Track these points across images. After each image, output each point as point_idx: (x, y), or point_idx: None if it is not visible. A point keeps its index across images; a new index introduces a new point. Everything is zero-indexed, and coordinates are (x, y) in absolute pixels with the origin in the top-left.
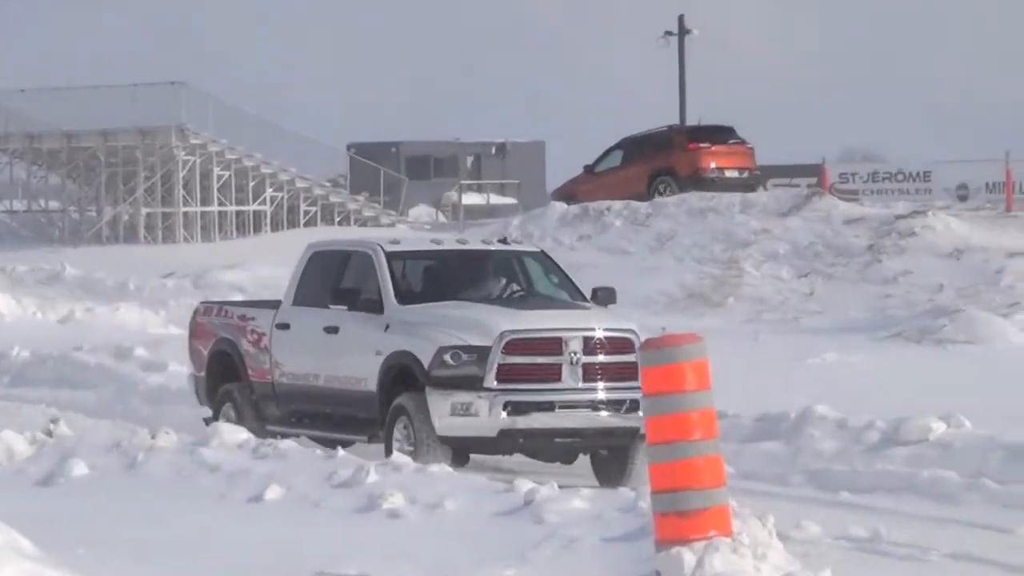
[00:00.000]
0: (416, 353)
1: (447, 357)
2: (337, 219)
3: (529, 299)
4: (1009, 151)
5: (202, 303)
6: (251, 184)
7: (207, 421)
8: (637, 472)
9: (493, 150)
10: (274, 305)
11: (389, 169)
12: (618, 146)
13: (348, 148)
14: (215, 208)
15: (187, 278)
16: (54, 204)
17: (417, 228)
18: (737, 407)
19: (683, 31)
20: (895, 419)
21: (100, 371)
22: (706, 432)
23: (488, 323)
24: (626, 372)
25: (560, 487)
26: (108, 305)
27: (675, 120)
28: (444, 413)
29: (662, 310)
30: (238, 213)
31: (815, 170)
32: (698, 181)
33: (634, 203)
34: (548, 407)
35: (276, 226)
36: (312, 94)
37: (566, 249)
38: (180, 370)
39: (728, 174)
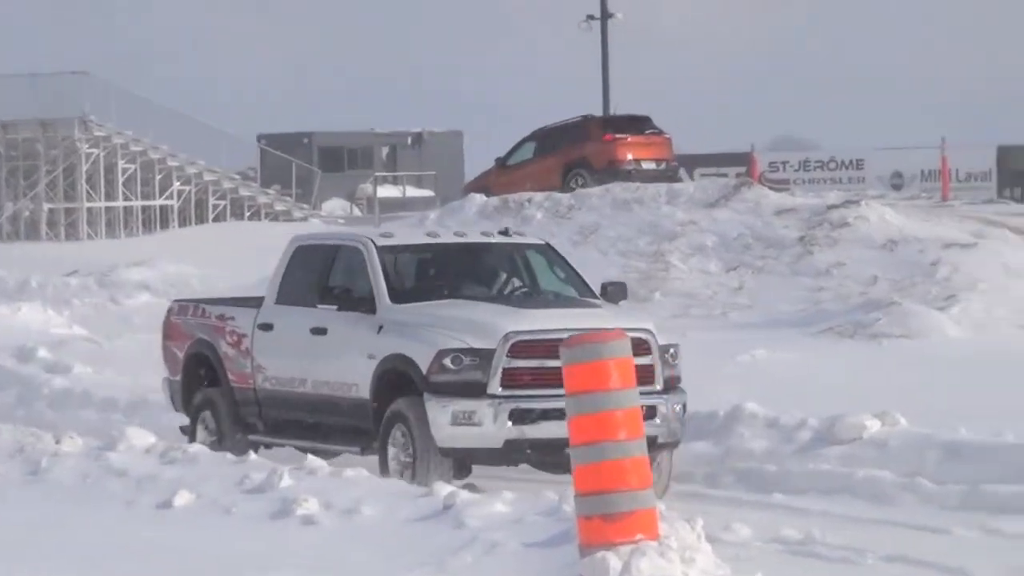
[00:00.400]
0: (413, 357)
1: (447, 361)
2: (248, 213)
3: (535, 296)
4: (945, 138)
5: (175, 301)
6: (158, 178)
7: (184, 429)
8: (655, 481)
9: (409, 141)
10: (256, 303)
11: (301, 161)
12: (531, 138)
13: (258, 139)
14: (120, 203)
15: (91, 276)
16: None
17: (330, 222)
18: None
19: (606, 15)
20: (828, 417)
21: (1, 373)
22: (632, 432)
23: (491, 323)
24: (643, 375)
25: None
26: (9, 305)
27: (598, 108)
28: (445, 422)
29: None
30: (144, 208)
31: (744, 159)
32: (614, 173)
33: (556, 195)
34: (558, 415)
35: (184, 221)
36: (221, 84)
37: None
38: (85, 372)
39: (645, 165)
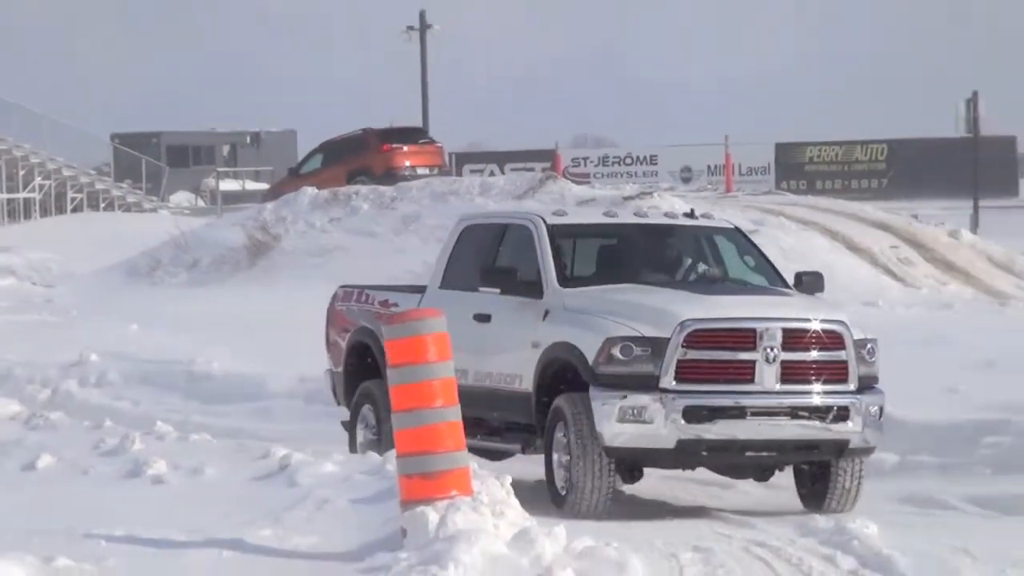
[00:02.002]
0: (579, 345)
1: (616, 351)
2: (103, 205)
3: (718, 283)
4: (728, 136)
5: (341, 287)
6: (21, 173)
7: (345, 425)
8: (845, 492)
9: (248, 139)
10: (421, 289)
11: (150, 158)
12: (319, 149)
13: (112, 138)
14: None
15: None
16: None
17: (177, 213)
18: None
19: (424, 26)
20: None
21: None
22: (447, 400)
23: (667, 310)
24: (835, 373)
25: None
26: None
27: (418, 112)
28: (611, 418)
29: (409, 283)
30: (8, 201)
31: (549, 155)
32: (392, 178)
33: (380, 188)
34: (739, 413)
35: (45, 212)
36: (77, 85)
37: (318, 231)
38: None
39: (420, 171)
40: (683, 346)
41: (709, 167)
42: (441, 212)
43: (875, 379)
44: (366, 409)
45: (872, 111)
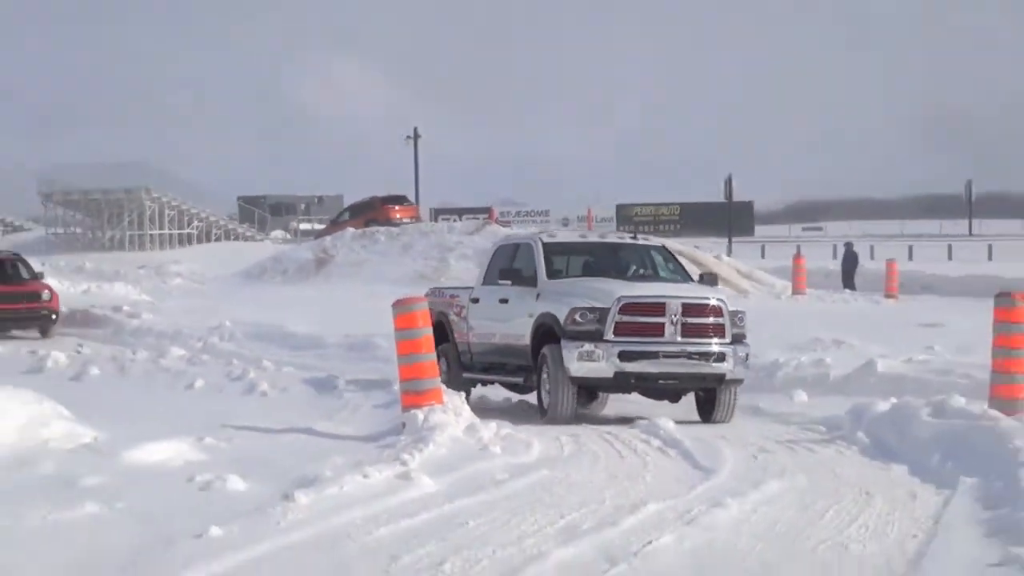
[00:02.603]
0: (556, 314)
1: (576, 316)
2: (232, 238)
3: (647, 277)
4: (589, 200)
5: (431, 288)
6: (184, 218)
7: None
8: (726, 408)
9: (316, 200)
10: (470, 288)
11: (260, 210)
12: (347, 209)
13: (238, 199)
14: (166, 231)
15: (151, 268)
16: (78, 229)
17: (275, 242)
18: None
19: (416, 136)
20: None
21: (104, 318)
22: (428, 349)
23: (609, 291)
24: (717, 331)
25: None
26: (109, 283)
27: (412, 187)
28: (574, 359)
29: (408, 283)
30: (178, 234)
31: (487, 210)
32: (390, 224)
33: (391, 228)
34: (653, 356)
35: (199, 241)
36: (221, 163)
37: (355, 252)
38: (149, 317)
39: (404, 221)
40: (618, 313)
41: (579, 216)
42: (425, 242)
43: (743, 336)
44: (441, 362)
45: (670, 186)
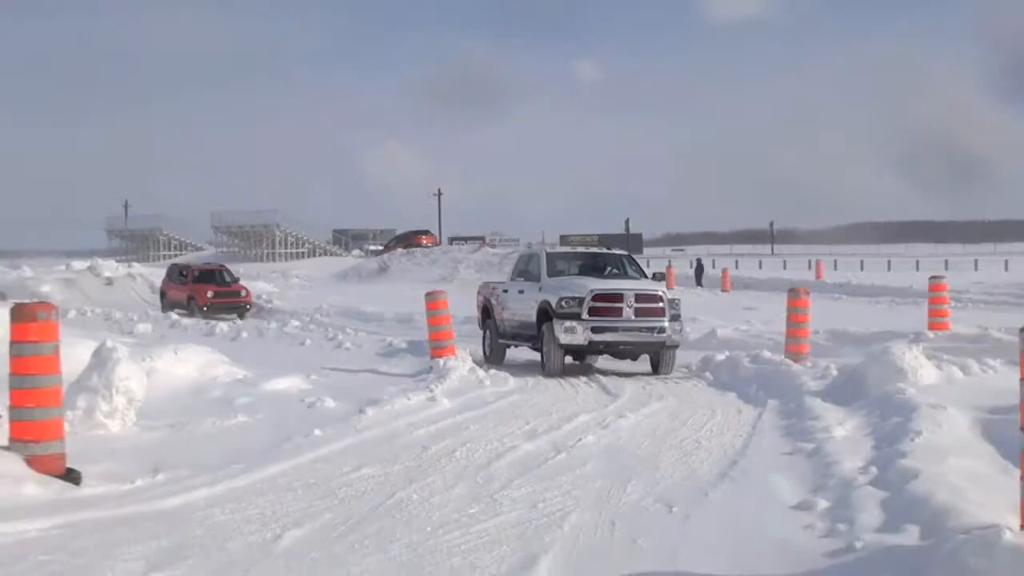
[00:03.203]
0: (550, 301)
1: (563, 303)
2: (328, 255)
3: (617, 276)
4: (544, 232)
5: (482, 283)
6: (292, 241)
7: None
8: (667, 365)
9: (380, 231)
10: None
11: (346, 237)
12: (394, 238)
13: (332, 231)
14: (287, 250)
15: (279, 273)
16: (236, 249)
17: (355, 258)
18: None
19: (440, 194)
20: None
21: (257, 302)
22: (445, 322)
23: (586, 285)
24: (659, 312)
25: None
26: (254, 282)
27: (436, 224)
28: (561, 332)
29: (434, 283)
30: (293, 252)
31: (480, 238)
32: (417, 246)
33: (423, 248)
34: (615, 329)
35: (309, 256)
36: (318, 207)
37: (402, 264)
38: (278, 303)
39: (429, 244)
40: (591, 300)
41: (539, 241)
42: (444, 258)
43: (679, 316)
44: (486, 332)
45: (591, 222)
